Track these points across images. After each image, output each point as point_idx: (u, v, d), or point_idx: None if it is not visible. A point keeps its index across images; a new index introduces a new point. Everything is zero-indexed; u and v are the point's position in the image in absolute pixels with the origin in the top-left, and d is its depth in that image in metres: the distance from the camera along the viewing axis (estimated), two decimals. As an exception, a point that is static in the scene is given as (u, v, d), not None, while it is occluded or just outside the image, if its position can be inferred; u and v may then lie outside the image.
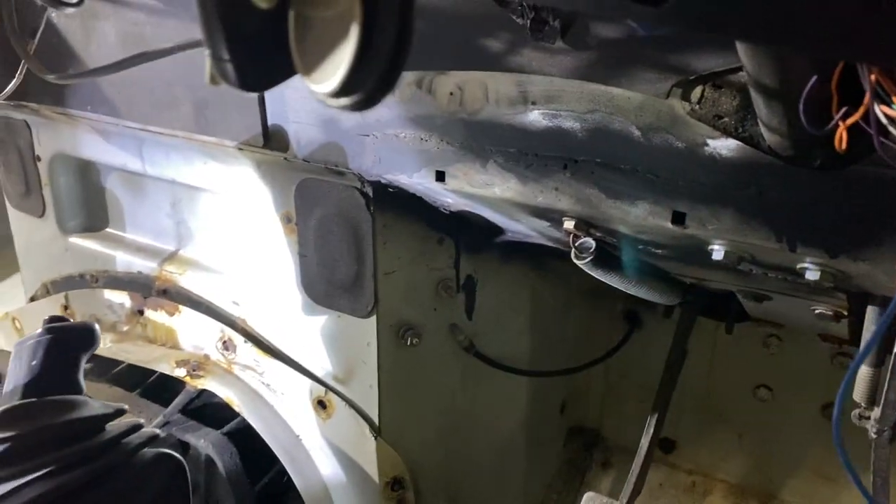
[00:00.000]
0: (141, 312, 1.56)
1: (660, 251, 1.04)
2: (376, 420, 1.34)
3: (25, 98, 1.43)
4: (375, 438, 1.34)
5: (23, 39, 1.03)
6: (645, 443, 1.24)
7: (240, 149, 1.26)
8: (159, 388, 1.63)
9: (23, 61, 1.06)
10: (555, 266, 1.45)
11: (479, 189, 1.04)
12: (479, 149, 1.01)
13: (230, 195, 1.42)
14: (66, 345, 0.94)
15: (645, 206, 0.92)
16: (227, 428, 1.52)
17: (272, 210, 1.34)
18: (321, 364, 1.38)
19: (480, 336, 1.41)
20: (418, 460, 1.41)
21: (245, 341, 1.44)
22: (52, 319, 1.03)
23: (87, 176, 1.67)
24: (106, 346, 1.55)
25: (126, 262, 1.62)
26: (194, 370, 1.44)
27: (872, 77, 0.53)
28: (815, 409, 1.44)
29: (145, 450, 0.98)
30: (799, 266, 0.89)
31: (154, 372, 1.58)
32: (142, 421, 1.01)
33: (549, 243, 1.25)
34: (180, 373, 1.43)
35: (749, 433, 1.53)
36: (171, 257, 1.57)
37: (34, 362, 0.91)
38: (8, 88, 1.10)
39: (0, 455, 0.84)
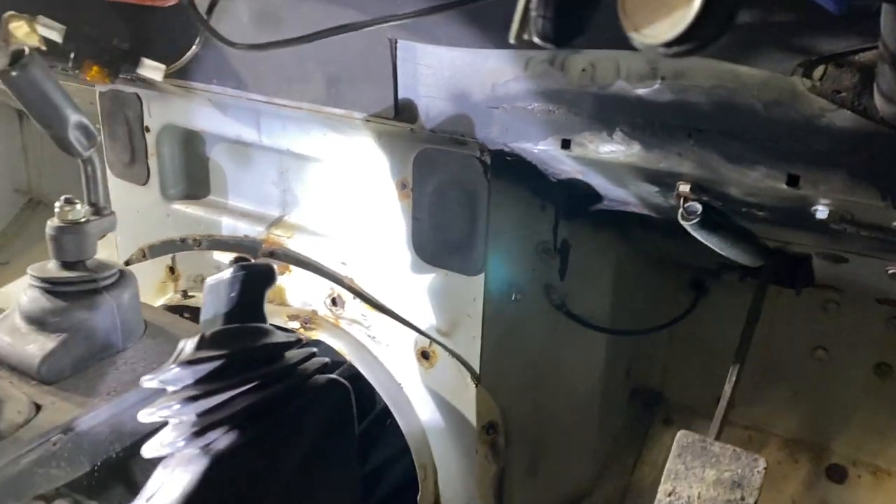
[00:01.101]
0: (249, 272, 1.69)
1: (762, 213, 1.18)
2: (477, 369, 1.48)
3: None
4: (476, 385, 1.48)
5: (198, 12, 1.15)
6: (728, 388, 1.38)
7: (367, 120, 1.40)
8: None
9: (200, 34, 1.18)
10: (635, 234, 1.59)
11: (604, 155, 1.18)
12: (607, 119, 1.15)
13: (343, 164, 1.55)
14: (255, 280, 1.07)
15: (762, 170, 1.06)
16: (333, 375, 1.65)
17: (388, 177, 1.47)
18: (426, 318, 1.51)
19: (570, 296, 1.55)
20: (509, 408, 1.55)
21: (353, 298, 1.57)
22: (239, 259, 1.16)
23: (192, 146, 1.80)
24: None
25: (231, 226, 1.75)
26: (306, 323, 1.58)
27: None
28: (868, 368, 1.59)
29: (318, 376, 1.11)
30: (895, 224, 1.03)
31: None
32: (315, 350, 1.14)
33: (644, 210, 1.39)
34: (294, 325, 1.57)
35: (803, 391, 1.68)
36: (276, 222, 1.70)
37: (232, 294, 1.04)
38: (182, 59, 1.22)
39: (216, 369, 0.97)
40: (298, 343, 1.10)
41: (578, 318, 1.53)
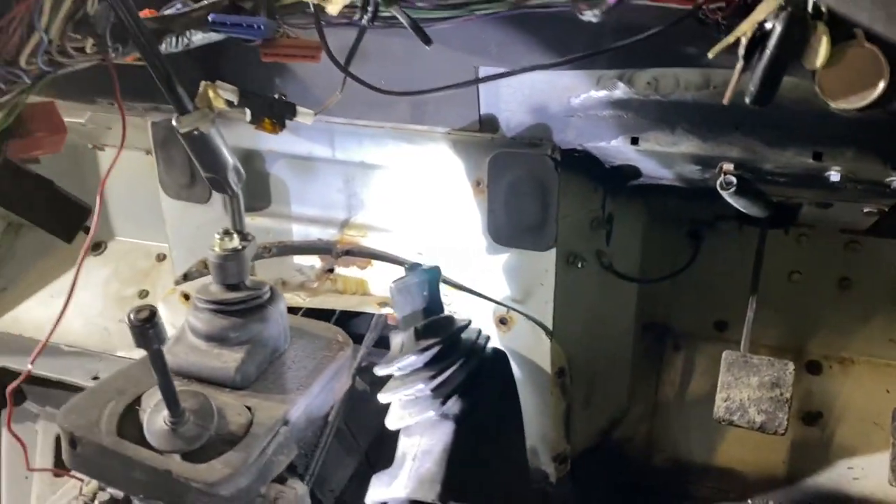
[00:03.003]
0: (331, 270, 1.92)
1: (783, 179, 1.55)
2: (550, 326, 1.80)
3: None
4: (550, 340, 1.80)
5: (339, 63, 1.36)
6: (750, 314, 1.77)
7: (449, 133, 1.66)
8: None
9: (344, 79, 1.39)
10: (653, 200, 1.95)
11: (666, 147, 1.51)
12: (669, 119, 1.48)
13: (416, 170, 1.80)
14: (433, 279, 1.32)
15: (794, 150, 1.42)
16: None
17: (462, 177, 1.74)
18: (502, 290, 1.80)
19: (613, 257, 1.89)
20: (572, 354, 1.88)
21: (435, 281, 1.84)
22: (412, 266, 1.39)
23: (252, 163, 1.98)
24: (306, 301, 1.91)
25: (302, 232, 1.96)
26: (396, 308, 1.84)
27: None
28: (833, 283, 2.04)
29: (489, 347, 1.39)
30: (887, 179, 1.43)
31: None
32: (479, 327, 1.41)
33: (674, 182, 1.74)
34: (388, 310, 1.82)
35: (783, 308, 2.10)
36: (345, 224, 1.93)
37: (424, 293, 1.29)
38: (328, 102, 1.43)
39: (439, 351, 1.23)
40: (469, 324, 1.37)
41: (622, 274, 1.88)
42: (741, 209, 1.64)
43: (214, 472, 1.22)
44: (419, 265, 1.42)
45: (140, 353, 2.46)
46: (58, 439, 2.55)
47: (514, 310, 1.80)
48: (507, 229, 1.73)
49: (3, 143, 1.24)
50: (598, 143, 1.55)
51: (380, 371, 1.25)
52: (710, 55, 1.04)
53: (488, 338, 1.42)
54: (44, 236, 2.95)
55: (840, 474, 1.96)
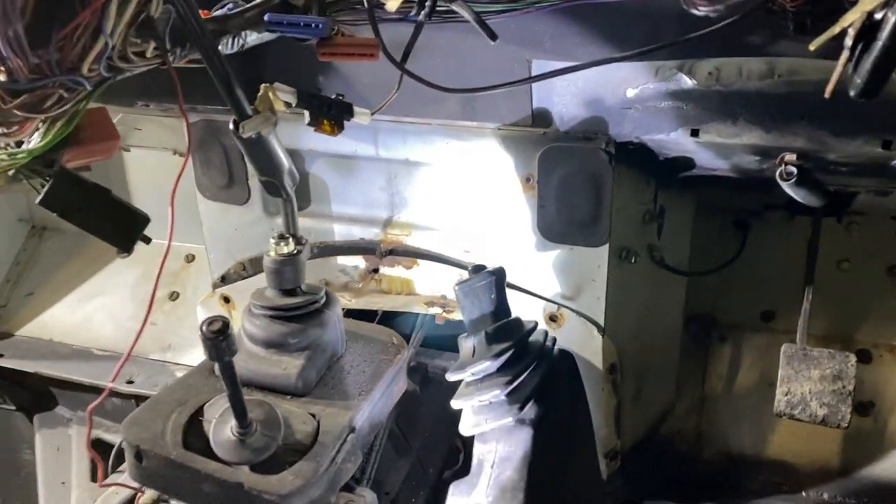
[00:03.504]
0: (376, 271, 1.89)
1: (846, 168, 1.52)
2: (602, 323, 1.77)
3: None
4: (602, 337, 1.77)
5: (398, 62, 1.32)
6: (807, 306, 1.73)
7: (499, 129, 1.62)
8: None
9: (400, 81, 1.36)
10: (706, 192, 1.92)
11: (727, 139, 1.47)
12: (731, 110, 1.44)
13: (462, 166, 1.76)
14: (500, 281, 1.29)
15: (863, 139, 1.39)
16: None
17: (512, 173, 1.70)
18: (552, 287, 1.77)
19: (664, 250, 1.86)
20: (622, 350, 1.85)
21: (482, 279, 1.81)
22: (478, 267, 1.36)
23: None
24: (351, 302, 1.88)
25: (344, 231, 1.93)
26: (444, 307, 1.81)
27: None
28: (882, 271, 2.01)
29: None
30: (955, 164, 1.39)
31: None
32: (545, 328, 1.39)
33: (728, 173, 1.70)
34: (436, 310, 1.80)
35: (832, 297, 2.06)
36: (388, 222, 1.90)
37: (492, 296, 1.26)
38: (384, 103, 1.39)
39: (512, 355, 1.20)
40: (535, 327, 1.34)
41: (673, 267, 1.85)
42: (798, 199, 1.61)
43: (287, 484, 1.19)
44: (483, 267, 1.39)
45: (168, 356, 2.46)
46: (93, 444, 2.56)
47: (565, 307, 1.77)
48: (558, 225, 1.70)
49: (59, 152, 1.21)
50: (656, 135, 1.51)
51: (452, 376, 1.22)
52: (812, 48, 1.01)
53: (555, 339, 1.39)
54: (68, 240, 2.98)
55: (895, 464, 1.93)
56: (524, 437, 1.18)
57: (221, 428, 1.25)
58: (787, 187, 1.54)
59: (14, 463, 2.84)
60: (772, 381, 2.15)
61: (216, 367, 1.16)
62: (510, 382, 1.19)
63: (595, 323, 1.76)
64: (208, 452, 1.24)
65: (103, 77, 1.10)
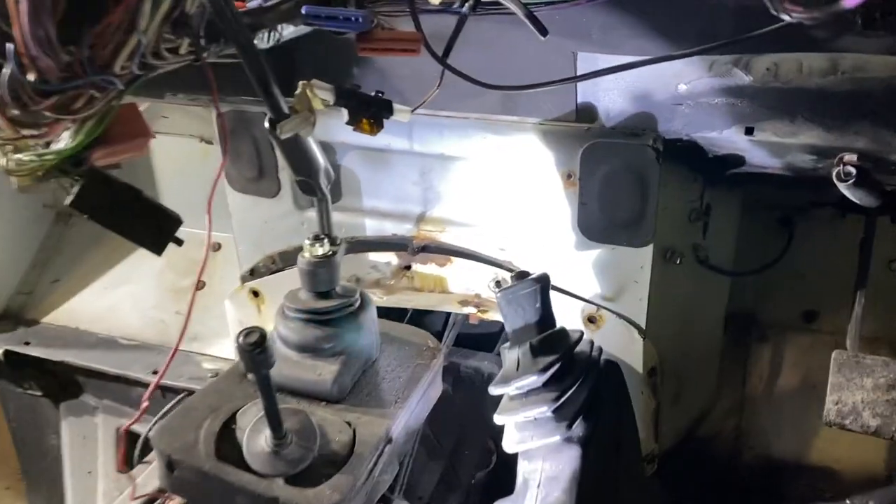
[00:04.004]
0: (408, 268, 1.84)
1: (909, 169, 1.44)
2: (643, 325, 1.70)
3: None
4: (643, 339, 1.71)
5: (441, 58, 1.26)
6: (858, 310, 1.66)
7: (540, 124, 1.56)
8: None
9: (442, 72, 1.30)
10: (753, 189, 1.84)
11: (784, 138, 1.40)
12: (789, 108, 1.36)
13: (500, 161, 1.70)
14: (545, 289, 1.24)
15: (931, 140, 1.31)
16: (496, 350, 1.85)
17: (552, 169, 1.64)
18: (591, 288, 1.71)
19: (708, 250, 1.79)
20: (663, 352, 1.79)
21: (518, 279, 1.75)
22: (521, 273, 1.31)
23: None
24: (382, 299, 1.83)
25: (376, 227, 1.88)
26: (478, 307, 1.75)
27: None
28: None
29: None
30: None
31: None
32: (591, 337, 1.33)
33: (781, 171, 1.63)
34: (470, 310, 1.74)
35: (880, 298, 1.99)
36: (421, 218, 1.84)
37: (537, 305, 1.21)
38: (424, 100, 1.33)
39: (558, 369, 1.15)
40: (581, 334, 1.28)
41: (718, 268, 1.78)
42: (853, 199, 1.53)
43: (323, 499, 1.15)
44: (527, 273, 1.33)
45: (195, 346, 2.42)
46: (118, 433, 2.54)
47: (605, 308, 1.71)
48: (600, 224, 1.63)
49: (89, 151, 1.16)
50: (708, 133, 1.44)
51: (495, 390, 1.17)
52: None
53: (601, 349, 1.34)
54: (94, 227, 2.93)
55: (943, 473, 1.87)
56: (573, 455, 1.13)
57: (255, 438, 1.21)
58: (843, 188, 1.46)
59: (40, 447, 2.84)
60: (814, 384, 2.09)
61: (250, 375, 1.11)
62: (558, 398, 1.14)
63: (636, 325, 1.70)
64: (242, 463, 1.20)
65: (135, 75, 1.05)
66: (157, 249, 1.21)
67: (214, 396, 1.33)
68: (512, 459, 1.55)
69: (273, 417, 1.15)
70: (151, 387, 1.40)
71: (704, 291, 1.88)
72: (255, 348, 1.03)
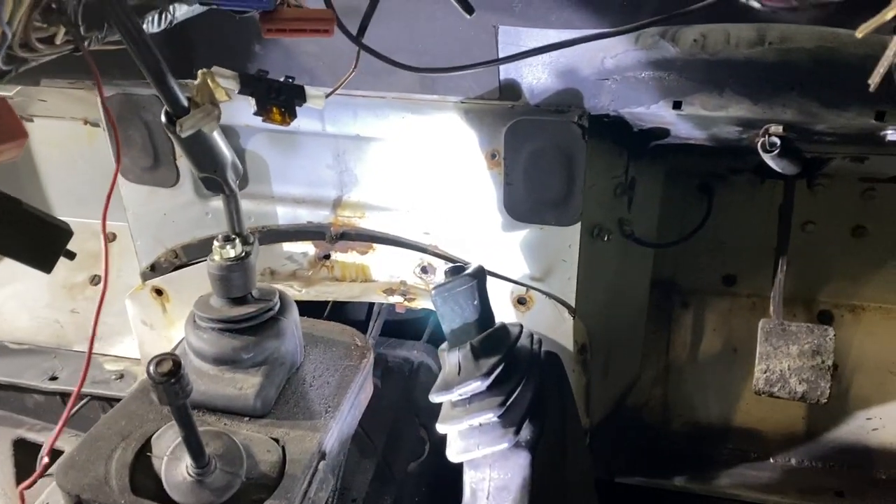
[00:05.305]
0: (327, 257, 1.73)
1: (831, 138, 1.44)
2: (573, 304, 1.67)
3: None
4: (573, 318, 1.67)
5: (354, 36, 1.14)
6: (781, 277, 1.68)
7: (462, 102, 1.47)
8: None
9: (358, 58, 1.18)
10: (675, 160, 1.82)
11: (713, 111, 1.36)
12: (717, 80, 1.33)
13: (419, 142, 1.60)
14: (482, 284, 1.16)
15: (855, 110, 1.30)
16: (425, 338, 1.78)
17: (475, 149, 1.56)
18: (520, 269, 1.66)
19: (633, 223, 1.76)
20: (591, 328, 1.77)
21: (445, 263, 1.67)
22: (455, 270, 1.22)
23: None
24: (300, 292, 1.72)
25: (289, 214, 1.75)
26: (405, 294, 1.67)
27: None
28: (846, 232, 1.97)
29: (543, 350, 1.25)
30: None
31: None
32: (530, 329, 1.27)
33: (705, 142, 1.60)
34: (396, 299, 1.66)
35: (794, 259, 2.02)
36: (338, 203, 1.73)
37: (475, 302, 1.13)
38: (342, 81, 1.21)
39: (502, 370, 1.08)
40: (521, 331, 1.22)
41: (643, 240, 1.75)
42: (776, 168, 1.52)
43: (256, 529, 1.06)
44: (462, 268, 1.25)
45: (95, 347, 2.21)
46: (15, 444, 2.34)
47: (534, 289, 1.66)
48: (526, 204, 1.57)
49: (-49, 159, 0.99)
50: (636, 108, 1.39)
51: (437, 398, 1.10)
52: (859, 34, 0.89)
53: (541, 342, 1.28)
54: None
55: (859, 426, 1.93)
56: (521, 462, 1.08)
57: (175, 466, 1.10)
58: (767, 158, 1.45)
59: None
60: (735, 347, 2.13)
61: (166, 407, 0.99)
62: (503, 402, 1.08)
63: (566, 304, 1.66)
64: (161, 496, 1.09)
65: (2, 70, 0.90)
66: (46, 267, 1.06)
67: (123, 421, 1.21)
68: (444, 444, 1.50)
69: (193, 446, 1.04)
70: (73, 397, 1.24)
71: (630, 264, 1.86)
72: (170, 378, 0.91)
